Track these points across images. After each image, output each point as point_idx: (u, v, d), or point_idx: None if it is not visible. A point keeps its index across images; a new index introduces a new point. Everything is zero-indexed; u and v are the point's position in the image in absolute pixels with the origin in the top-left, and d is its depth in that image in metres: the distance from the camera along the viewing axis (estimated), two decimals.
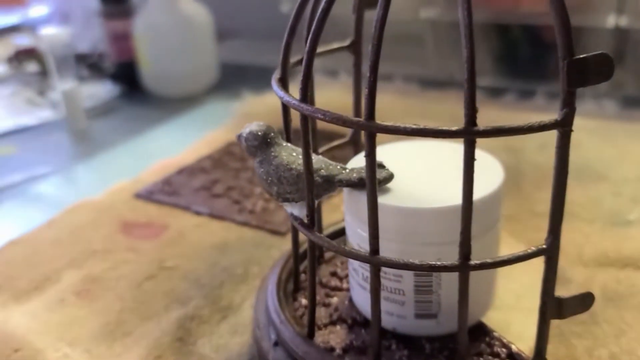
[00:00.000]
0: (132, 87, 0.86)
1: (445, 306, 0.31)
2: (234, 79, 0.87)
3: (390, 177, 0.30)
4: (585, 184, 0.52)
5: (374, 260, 0.27)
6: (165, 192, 0.54)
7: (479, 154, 0.34)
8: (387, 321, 0.32)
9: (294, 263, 0.36)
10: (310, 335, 0.32)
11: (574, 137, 0.25)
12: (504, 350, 0.31)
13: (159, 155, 0.63)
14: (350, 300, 0.35)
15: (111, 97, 0.85)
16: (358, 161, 0.33)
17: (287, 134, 0.32)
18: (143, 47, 0.82)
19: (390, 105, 0.72)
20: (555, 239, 0.27)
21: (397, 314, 0.32)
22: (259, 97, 0.77)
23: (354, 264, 0.33)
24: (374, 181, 0.25)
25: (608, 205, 0.48)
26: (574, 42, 0.24)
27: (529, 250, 0.26)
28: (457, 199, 0.25)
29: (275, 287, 0.35)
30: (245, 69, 0.91)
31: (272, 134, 0.30)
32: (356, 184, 0.30)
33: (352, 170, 0.30)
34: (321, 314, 0.35)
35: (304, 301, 0.35)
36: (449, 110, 0.68)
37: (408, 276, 0.30)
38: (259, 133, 0.30)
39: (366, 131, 0.25)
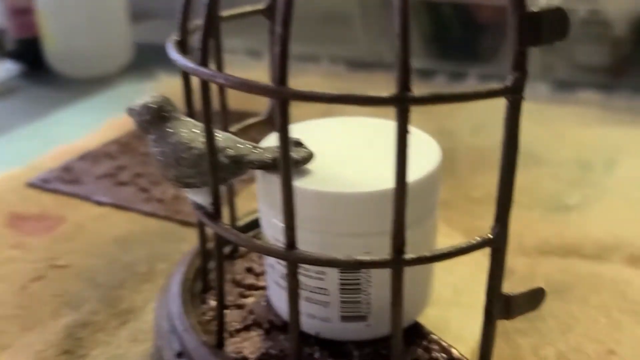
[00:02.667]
0: (35, 66, 0.78)
1: (376, 307, 0.27)
2: (150, 60, 0.80)
3: (309, 156, 0.26)
4: (522, 168, 0.48)
5: (291, 255, 0.22)
6: (64, 180, 0.48)
7: (412, 131, 0.30)
8: (309, 325, 0.28)
9: (202, 259, 0.31)
10: (219, 344, 0.27)
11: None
12: (443, 355, 0.27)
13: (62, 141, 0.57)
14: (268, 300, 0.30)
15: (10, 77, 0.77)
16: (273, 140, 0.28)
17: (190, 107, 0.27)
18: (47, 22, 0.75)
19: (315, 87, 0.68)
20: (502, 228, 0.23)
21: (320, 317, 0.27)
22: (175, 78, 0.71)
23: (270, 259, 0.28)
24: (287, 160, 0.21)
25: (547, 190, 0.45)
26: None
27: (473, 242, 0.22)
28: (386, 182, 0.21)
29: (180, 288, 0.30)
30: (162, 50, 0.84)
31: (170, 108, 0.25)
32: (270, 166, 0.25)
33: (265, 149, 0.26)
34: (234, 317, 0.30)
35: (213, 303, 0.30)
36: (377, 92, 0.64)
37: (332, 273, 0.26)
38: (153, 106, 0.25)
39: (277, 99, 0.20)
